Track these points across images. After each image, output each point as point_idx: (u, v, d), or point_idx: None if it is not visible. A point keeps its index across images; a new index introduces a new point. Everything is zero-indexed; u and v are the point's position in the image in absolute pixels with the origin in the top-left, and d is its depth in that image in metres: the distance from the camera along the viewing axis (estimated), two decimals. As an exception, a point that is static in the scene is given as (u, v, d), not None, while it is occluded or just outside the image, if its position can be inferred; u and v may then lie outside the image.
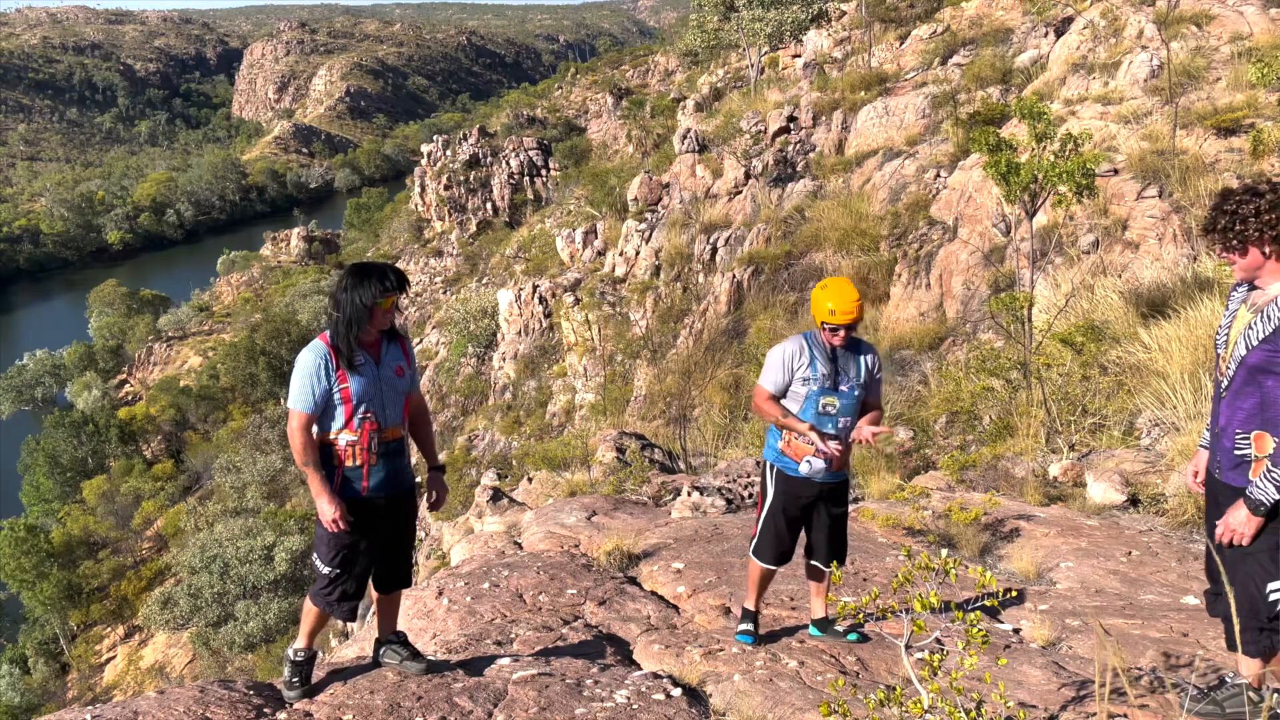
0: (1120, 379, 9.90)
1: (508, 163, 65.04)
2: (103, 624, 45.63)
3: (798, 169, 23.38)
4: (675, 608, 6.24)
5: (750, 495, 9.72)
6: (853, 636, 5.25)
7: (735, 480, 10.14)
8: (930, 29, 24.72)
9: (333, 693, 4.50)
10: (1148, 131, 14.62)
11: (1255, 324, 3.68)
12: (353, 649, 7.10)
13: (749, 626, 5.29)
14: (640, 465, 11.64)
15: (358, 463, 4.33)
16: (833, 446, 4.77)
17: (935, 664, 3.56)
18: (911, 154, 20.30)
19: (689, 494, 9.61)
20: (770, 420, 4.98)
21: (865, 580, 6.39)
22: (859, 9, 28.95)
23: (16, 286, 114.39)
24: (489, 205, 64.52)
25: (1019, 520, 7.49)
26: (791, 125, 24.47)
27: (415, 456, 4.98)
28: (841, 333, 4.77)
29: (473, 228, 63.68)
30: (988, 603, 5.70)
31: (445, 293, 56.71)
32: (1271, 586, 3.70)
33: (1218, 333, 3.93)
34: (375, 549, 4.55)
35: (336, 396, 4.28)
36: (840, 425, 4.86)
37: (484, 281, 50.52)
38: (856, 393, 4.89)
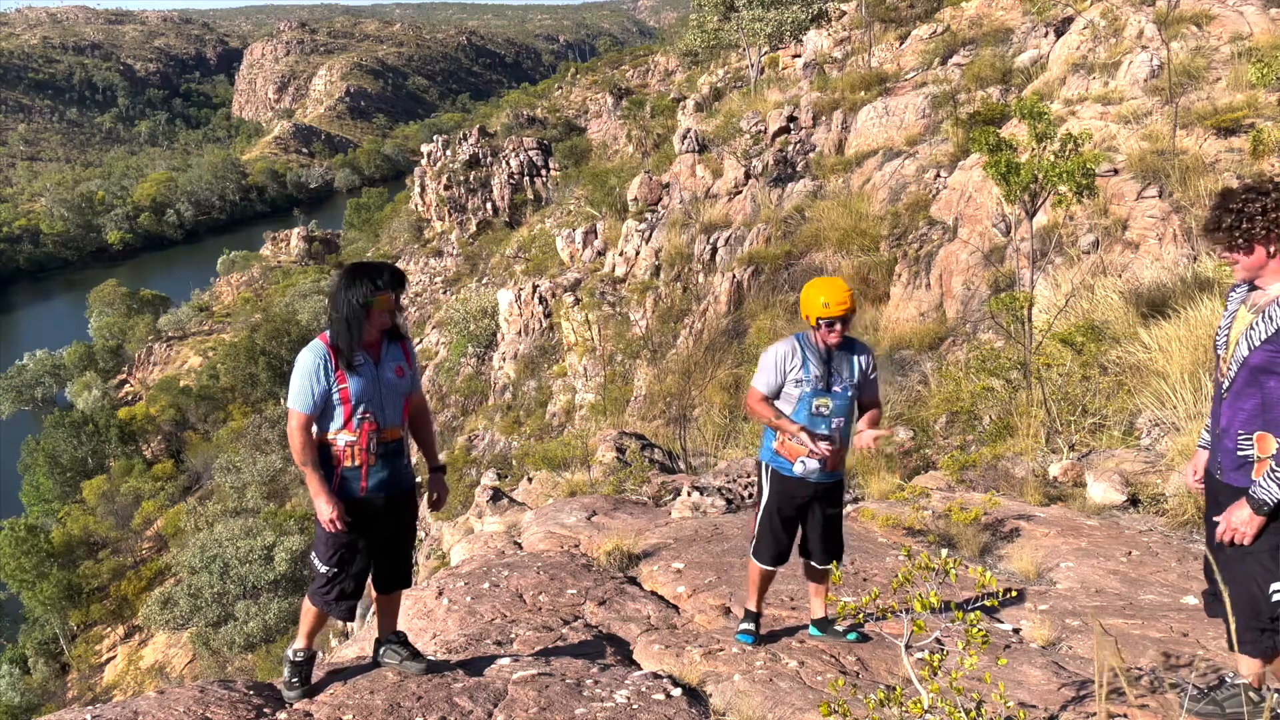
0: (1120, 379, 9.90)
1: (508, 163, 65.04)
2: (103, 624, 45.64)
3: (798, 169, 23.38)
4: (675, 608, 6.24)
5: (750, 495, 9.72)
6: (853, 636, 5.25)
7: (735, 480, 10.15)
8: (930, 29, 24.72)
9: (333, 693, 4.50)
10: (1148, 131, 14.62)
11: (1257, 324, 3.68)
12: (353, 649, 7.10)
13: (750, 626, 5.29)
14: (640, 465, 11.64)
15: (356, 463, 4.33)
16: (823, 447, 4.77)
17: (935, 664, 3.56)
18: (911, 154, 20.30)
19: (689, 494, 9.61)
20: (763, 421, 4.99)
21: (865, 580, 6.39)
22: (859, 9, 28.95)
23: (16, 286, 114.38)
24: (489, 205, 64.53)
25: (1019, 520, 7.48)
26: (791, 125, 24.47)
27: (416, 456, 4.98)
28: (838, 326, 4.76)
29: (473, 228, 63.68)
30: (988, 603, 5.70)
31: (445, 293, 56.72)
32: (1274, 586, 3.69)
33: (1217, 334, 3.93)
34: (375, 549, 4.55)
35: (335, 397, 4.29)
36: (834, 426, 4.86)
37: (484, 281, 50.52)
38: (850, 393, 4.89)
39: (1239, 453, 3.76)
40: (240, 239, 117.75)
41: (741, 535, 7.47)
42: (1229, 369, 3.78)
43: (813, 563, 5.18)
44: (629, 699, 4.54)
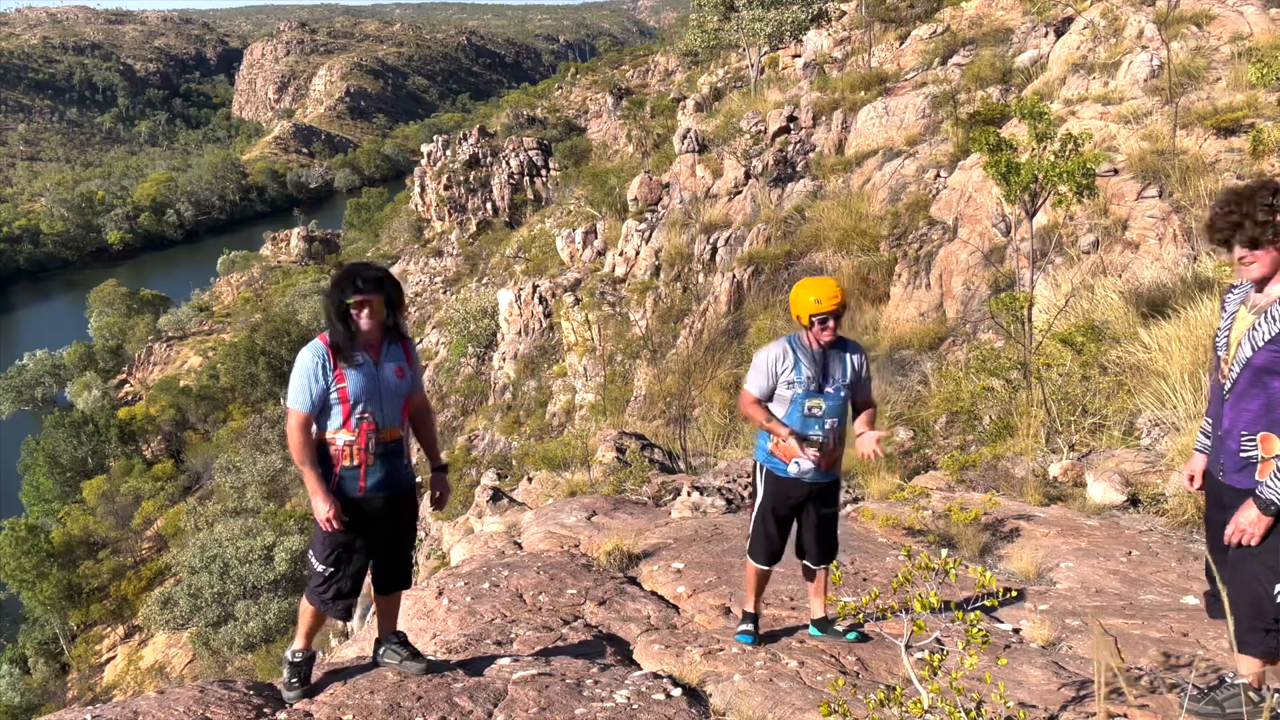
0: (1120, 379, 9.90)
1: (508, 163, 65.04)
2: (103, 624, 45.64)
3: (798, 169, 23.38)
4: (675, 608, 6.24)
5: (750, 495, 9.72)
6: (852, 636, 5.25)
7: (735, 480, 10.15)
8: (930, 29, 24.72)
9: (333, 693, 4.50)
10: (1148, 131, 14.61)
11: (1259, 325, 3.66)
12: (353, 649, 7.10)
13: (749, 627, 5.30)
14: (640, 465, 11.64)
15: (355, 463, 4.34)
16: (811, 453, 4.78)
17: (935, 664, 3.56)
18: (911, 154, 20.29)
19: (689, 494, 9.61)
20: (755, 424, 4.99)
21: (865, 580, 6.39)
22: (859, 9, 28.95)
23: (16, 286, 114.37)
24: (489, 205, 64.52)
25: (1019, 520, 7.48)
26: (791, 125, 24.47)
27: (417, 456, 4.99)
28: (830, 323, 4.75)
29: (473, 228, 63.68)
30: (988, 603, 5.70)
31: (445, 293, 56.73)
32: (1279, 588, 3.69)
33: (1216, 335, 3.91)
34: (375, 549, 4.56)
35: (334, 396, 4.30)
36: (827, 427, 4.86)
37: (484, 281, 50.53)
38: (843, 394, 4.88)
39: (1242, 454, 3.75)
40: (240, 239, 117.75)
41: (741, 535, 7.47)
42: (1231, 370, 3.77)
43: (808, 563, 5.19)
44: (629, 699, 4.54)
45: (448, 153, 67.80)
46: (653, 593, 6.55)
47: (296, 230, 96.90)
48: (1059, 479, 8.60)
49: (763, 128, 24.97)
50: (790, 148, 23.88)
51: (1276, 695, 4.03)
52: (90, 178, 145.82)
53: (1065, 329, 10.56)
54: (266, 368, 62.61)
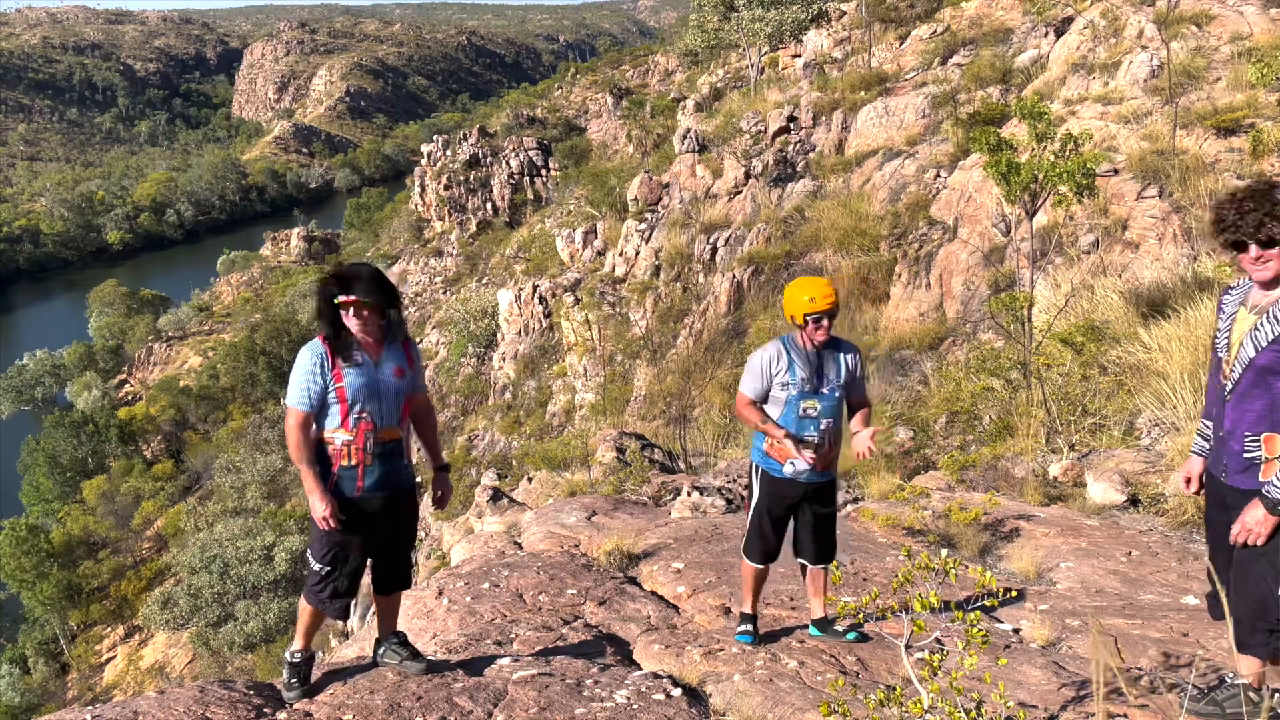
0: (1120, 379, 9.90)
1: (508, 163, 65.04)
2: (103, 624, 45.64)
3: (798, 169, 23.38)
4: (675, 608, 6.24)
5: (747, 494, 9.73)
6: (852, 636, 5.25)
7: (735, 480, 10.15)
8: (930, 29, 24.72)
9: (333, 693, 4.50)
10: (1148, 131, 14.61)
11: (1262, 325, 3.64)
12: (353, 649, 7.10)
13: (748, 628, 5.31)
14: (640, 465, 11.64)
15: (353, 462, 4.35)
16: (806, 455, 4.79)
17: (935, 664, 3.56)
18: (911, 154, 20.29)
19: (689, 494, 9.61)
20: (750, 425, 5.00)
21: (865, 580, 6.39)
22: (859, 9, 28.95)
23: (16, 286, 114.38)
24: (489, 205, 64.53)
25: (1019, 520, 7.48)
26: (791, 125, 24.47)
27: (418, 455, 4.98)
28: (825, 322, 4.76)
29: (473, 228, 63.68)
30: (988, 603, 5.69)
31: (445, 293, 56.72)
32: None
33: (1216, 336, 3.89)
34: (375, 548, 4.56)
35: (332, 395, 4.33)
36: (823, 427, 4.86)
37: (484, 281, 50.53)
38: (838, 394, 4.89)
39: (1246, 455, 3.73)
40: (240, 239, 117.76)
41: (741, 535, 7.47)
42: (1232, 371, 3.75)
43: (805, 563, 5.19)
44: (629, 699, 4.54)
45: (448, 153, 67.80)
46: (653, 593, 6.55)
47: (296, 230, 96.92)
48: (1059, 479, 8.60)
49: (763, 128, 24.97)
50: (790, 148, 23.88)
51: (1277, 695, 4.03)
52: (90, 178, 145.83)
53: (1065, 329, 10.55)
54: (266, 368, 62.62)
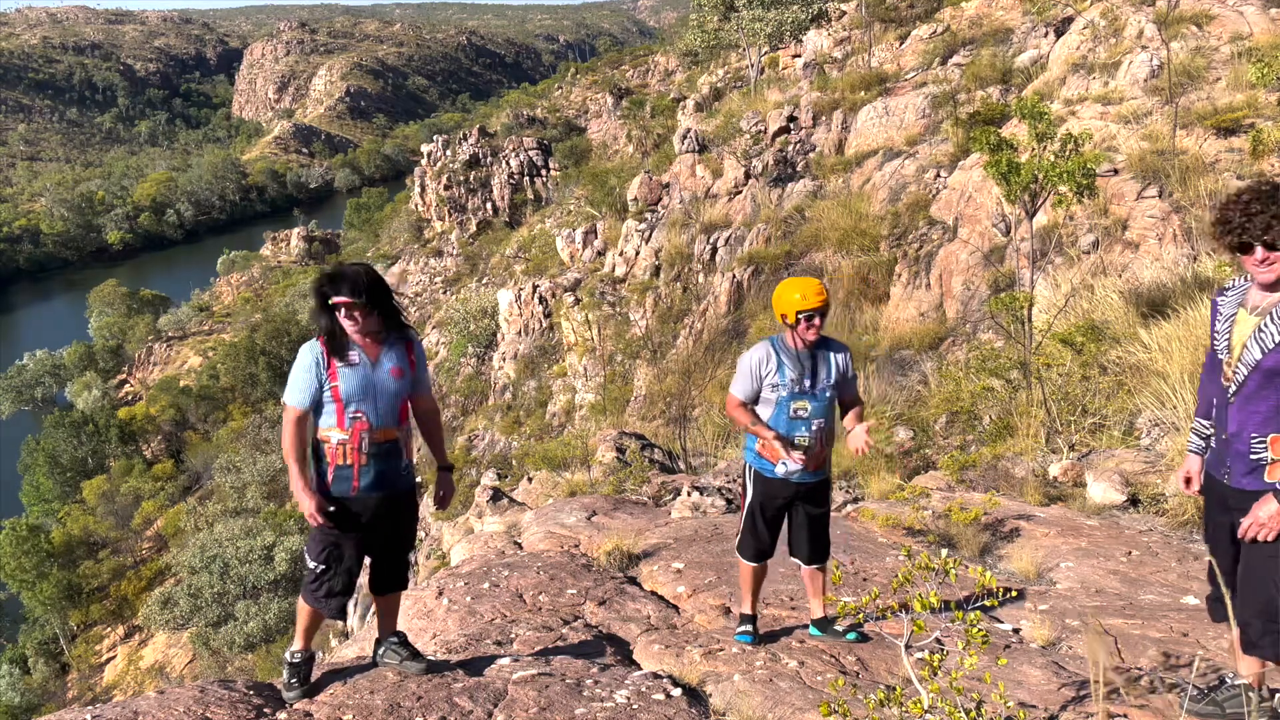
0: (1120, 379, 9.90)
1: (508, 163, 65.03)
2: (103, 624, 45.64)
3: (798, 169, 23.38)
4: (675, 608, 6.24)
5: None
6: (852, 636, 5.25)
7: (735, 480, 10.14)
8: (930, 29, 24.72)
9: (333, 693, 4.50)
10: (1148, 131, 14.61)
11: (1267, 327, 3.62)
12: (353, 649, 7.10)
13: (748, 628, 5.31)
14: (640, 465, 11.64)
15: (348, 462, 4.37)
16: (796, 456, 4.81)
17: (935, 664, 3.56)
18: (911, 154, 20.29)
19: (689, 494, 9.61)
20: (741, 427, 5.02)
21: (865, 580, 6.39)
22: (859, 9, 28.95)
23: (16, 286, 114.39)
24: (489, 205, 64.52)
25: (1019, 520, 7.48)
26: (791, 125, 24.47)
27: (420, 456, 4.99)
28: (817, 320, 4.77)
29: (473, 228, 63.66)
30: (988, 603, 5.69)
31: (445, 293, 56.70)
32: None
33: (1215, 338, 3.86)
34: (374, 548, 4.56)
35: (327, 394, 4.35)
36: (814, 428, 4.88)
37: (484, 281, 50.51)
38: (829, 394, 4.90)
39: (1252, 456, 3.71)
40: (240, 239, 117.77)
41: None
42: (1235, 373, 3.73)
43: (799, 562, 5.20)
44: (629, 699, 4.54)
45: (448, 153, 67.79)
46: (653, 593, 6.55)
47: (296, 230, 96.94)
48: (1059, 479, 8.60)
49: (763, 128, 24.97)
50: (790, 148, 23.88)
51: (1277, 695, 4.03)
52: (90, 178, 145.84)
53: (1065, 329, 10.55)
54: (266, 368, 62.63)
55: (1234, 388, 3.74)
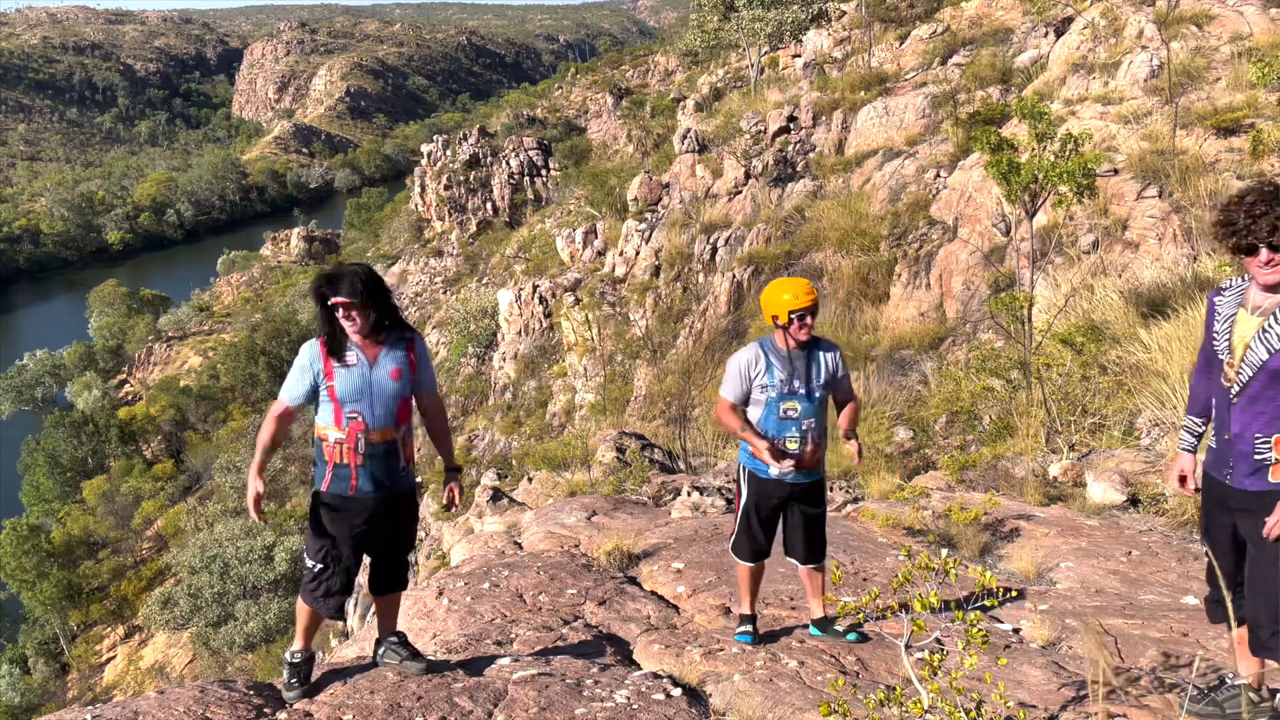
0: (1120, 379, 9.90)
1: (508, 163, 65.03)
2: (103, 624, 45.64)
3: (798, 169, 23.38)
4: (675, 608, 6.24)
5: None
6: (852, 636, 5.25)
7: (734, 480, 10.14)
8: (930, 29, 24.72)
9: (333, 693, 4.50)
10: (1148, 131, 14.61)
11: (1271, 327, 3.60)
12: (353, 649, 7.10)
13: (748, 628, 5.31)
14: (640, 465, 11.64)
15: (345, 461, 4.38)
16: (787, 465, 4.84)
17: (935, 664, 3.56)
18: (911, 154, 20.29)
19: (689, 494, 9.61)
20: (731, 432, 5.05)
21: (865, 580, 6.39)
22: (859, 9, 28.95)
23: (16, 286, 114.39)
24: (489, 205, 64.51)
25: (1019, 520, 7.48)
26: (791, 125, 24.47)
27: (422, 455, 5.00)
28: (808, 319, 4.78)
29: (473, 228, 63.66)
30: (988, 603, 5.69)
31: (445, 293, 56.70)
32: None
33: (1214, 339, 3.84)
34: (373, 548, 4.57)
35: (324, 393, 4.37)
36: (804, 428, 4.89)
37: (484, 281, 50.51)
38: (819, 394, 4.92)
39: (1256, 456, 3.70)
40: (240, 239, 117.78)
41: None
42: (1238, 374, 3.71)
43: (796, 562, 5.21)
44: (629, 699, 4.54)
45: (448, 153, 67.80)
46: (653, 593, 6.56)
47: (296, 230, 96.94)
48: (1059, 479, 8.60)
49: (763, 128, 24.97)
50: (790, 148, 23.88)
51: (1277, 695, 4.03)
52: (90, 178, 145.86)
53: (1065, 329, 10.55)
54: (266, 368, 62.63)
55: (1237, 388, 3.72)
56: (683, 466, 12.86)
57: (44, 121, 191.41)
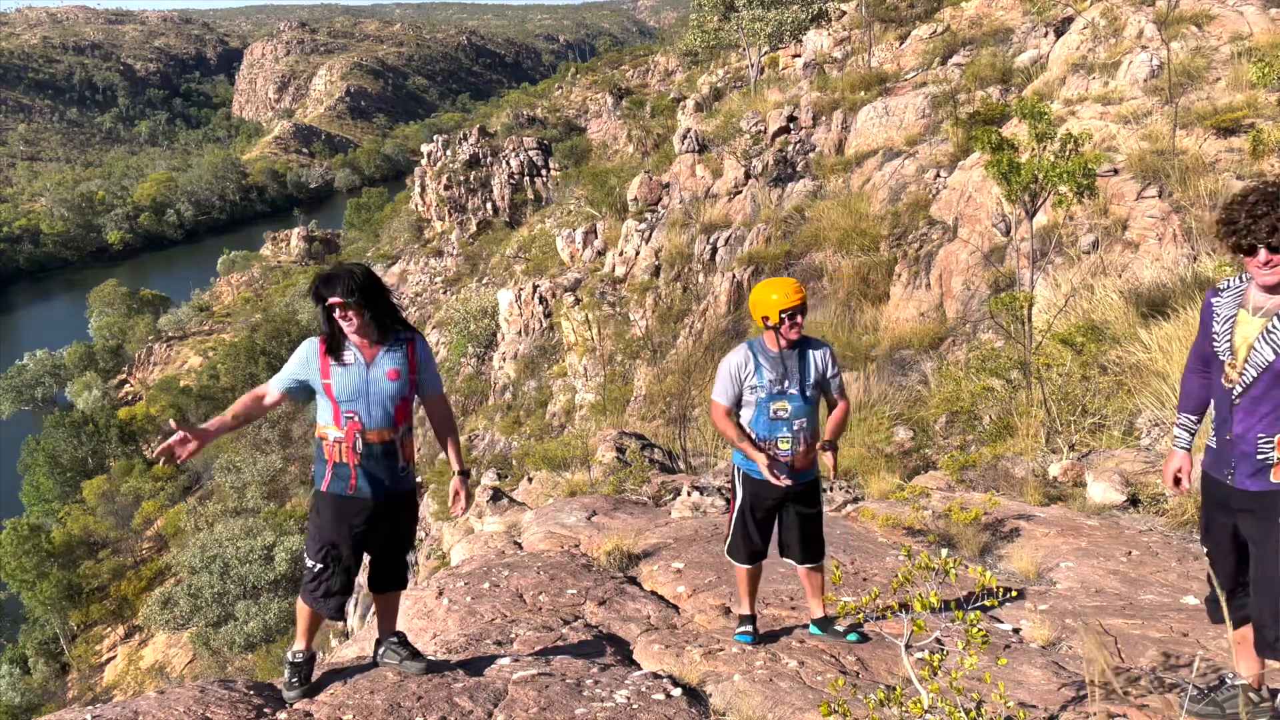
0: (1120, 379, 9.90)
1: (508, 163, 65.03)
2: (103, 624, 45.64)
3: (798, 169, 23.38)
4: (675, 607, 6.24)
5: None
6: (853, 636, 5.25)
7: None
8: (930, 29, 24.72)
9: (333, 693, 4.50)
10: (1148, 131, 14.61)
11: (1275, 327, 3.60)
12: (353, 649, 7.10)
13: (748, 628, 5.31)
14: (640, 465, 11.64)
15: (343, 461, 4.39)
16: (783, 480, 4.86)
17: (935, 664, 3.56)
18: (911, 154, 20.29)
19: (689, 494, 9.61)
20: (728, 440, 5.07)
21: (865, 580, 6.39)
22: (859, 9, 28.95)
23: (16, 286, 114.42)
24: (489, 205, 64.52)
25: (1019, 520, 7.48)
26: (791, 125, 24.47)
27: (425, 455, 5.00)
28: (798, 318, 4.80)
29: (473, 228, 63.66)
30: (988, 603, 5.69)
31: (445, 293, 56.70)
32: None
33: (1214, 340, 3.83)
34: (373, 548, 4.57)
35: (322, 392, 4.40)
36: (795, 428, 4.90)
37: (484, 281, 50.51)
38: (809, 394, 4.92)
39: (1259, 457, 3.69)
40: (240, 239, 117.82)
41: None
42: (1241, 375, 3.70)
43: (793, 562, 5.21)
44: (629, 699, 4.54)
45: (448, 153, 67.79)
46: (653, 593, 6.55)
47: (296, 230, 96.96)
48: (1059, 479, 8.60)
49: (763, 128, 24.97)
50: (790, 148, 23.88)
51: (1278, 695, 4.03)
52: (90, 178, 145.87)
53: (1065, 329, 10.55)
54: (266, 368, 62.52)
55: (1239, 389, 3.71)
56: (683, 466, 12.86)
57: (44, 121, 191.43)
